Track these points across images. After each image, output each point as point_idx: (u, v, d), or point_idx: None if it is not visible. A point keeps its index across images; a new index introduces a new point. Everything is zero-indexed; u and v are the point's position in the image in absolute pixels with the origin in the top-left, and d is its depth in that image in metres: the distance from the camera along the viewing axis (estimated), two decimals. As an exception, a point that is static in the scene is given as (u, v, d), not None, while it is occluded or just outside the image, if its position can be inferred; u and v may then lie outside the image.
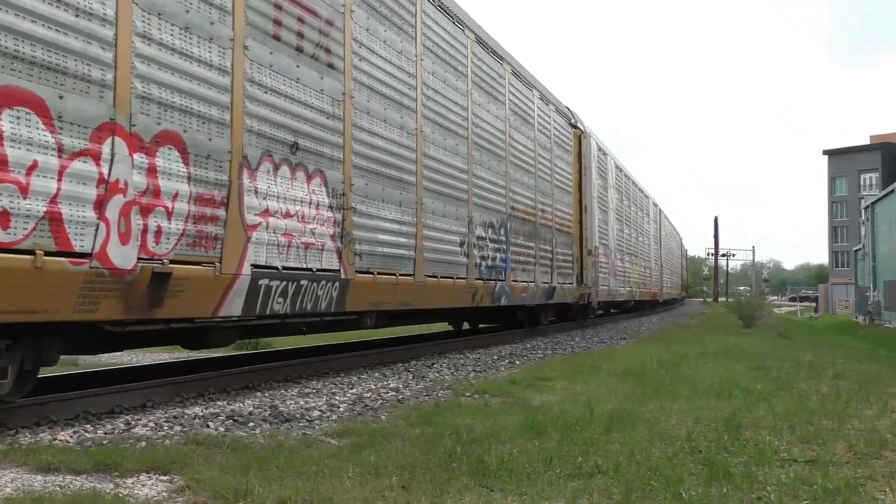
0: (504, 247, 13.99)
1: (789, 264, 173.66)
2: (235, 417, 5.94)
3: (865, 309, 45.54)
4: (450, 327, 16.38)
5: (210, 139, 6.65)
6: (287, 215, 7.66)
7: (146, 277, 5.90)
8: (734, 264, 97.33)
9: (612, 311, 28.12)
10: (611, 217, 24.46)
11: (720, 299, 67.27)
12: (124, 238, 5.74)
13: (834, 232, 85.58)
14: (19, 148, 4.98)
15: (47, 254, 5.14)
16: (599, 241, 21.84)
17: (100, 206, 5.53)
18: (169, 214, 6.19)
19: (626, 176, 28.42)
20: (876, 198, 45.25)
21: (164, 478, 4.14)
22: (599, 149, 22.83)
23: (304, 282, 7.88)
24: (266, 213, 7.34)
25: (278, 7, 7.61)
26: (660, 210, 39.99)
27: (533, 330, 16.88)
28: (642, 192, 33.43)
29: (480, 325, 16.92)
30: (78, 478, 4.09)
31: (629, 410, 6.21)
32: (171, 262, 6.18)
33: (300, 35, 7.93)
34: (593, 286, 20.65)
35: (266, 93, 7.39)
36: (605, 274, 22.77)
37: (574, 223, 19.54)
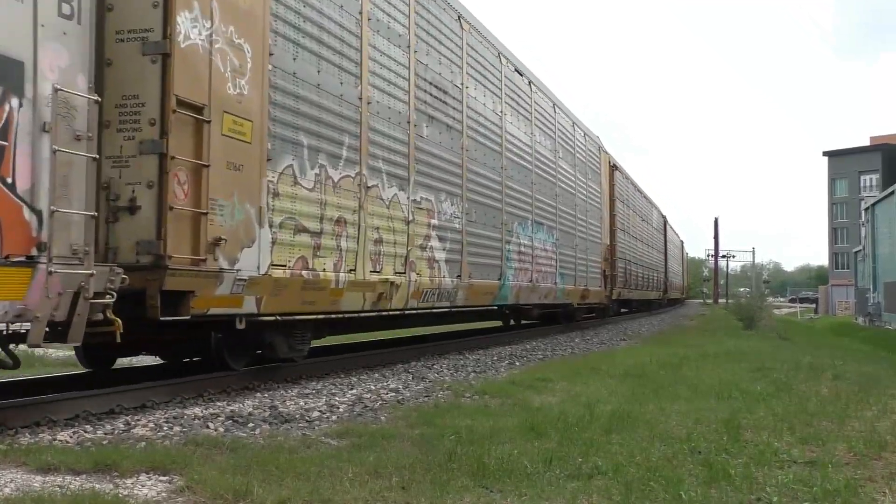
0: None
1: (789, 266, 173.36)
2: (235, 418, 5.94)
3: (865, 310, 45.55)
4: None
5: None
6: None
7: None
8: (734, 265, 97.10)
9: None
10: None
11: (720, 301, 67.11)
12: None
13: (834, 233, 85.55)
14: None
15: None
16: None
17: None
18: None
19: None
20: (876, 199, 45.25)
21: (164, 478, 4.14)
22: None
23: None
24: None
25: None
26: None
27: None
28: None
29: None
30: (78, 478, 4.09)
31: (629, 411, 6.21)
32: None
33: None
34: None
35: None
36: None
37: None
